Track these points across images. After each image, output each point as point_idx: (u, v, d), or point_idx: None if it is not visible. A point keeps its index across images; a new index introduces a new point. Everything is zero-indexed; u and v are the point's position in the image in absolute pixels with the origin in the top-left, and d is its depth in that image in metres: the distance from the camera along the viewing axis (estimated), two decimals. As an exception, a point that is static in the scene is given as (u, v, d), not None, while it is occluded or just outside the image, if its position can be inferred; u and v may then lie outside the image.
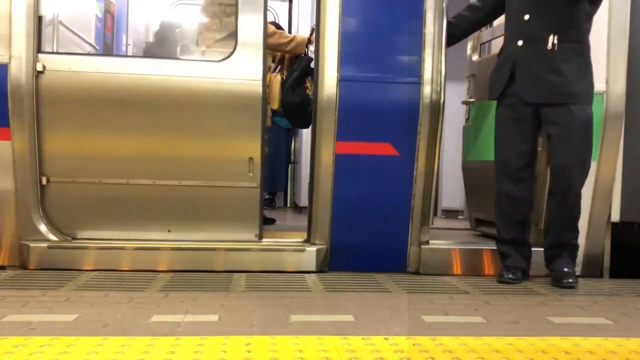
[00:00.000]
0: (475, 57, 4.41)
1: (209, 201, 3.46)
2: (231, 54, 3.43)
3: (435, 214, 3.65)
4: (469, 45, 4.48)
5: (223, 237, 3.45)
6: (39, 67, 3.27)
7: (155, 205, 3.45)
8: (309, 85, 4.20)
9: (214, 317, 2.34)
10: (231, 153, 3.47)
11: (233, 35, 3.43)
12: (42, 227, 3.33)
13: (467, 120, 4.37)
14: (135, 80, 3.36)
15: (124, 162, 3.41)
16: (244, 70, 3.41)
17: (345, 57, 3.41)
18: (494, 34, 4.28)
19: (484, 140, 3.99)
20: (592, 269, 3.67)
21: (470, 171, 4.38)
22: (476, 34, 4.30)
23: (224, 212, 3.49)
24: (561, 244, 3.28)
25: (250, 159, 3.42)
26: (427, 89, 3.41)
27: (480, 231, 4.30)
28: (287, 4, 6.90)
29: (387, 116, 3.43)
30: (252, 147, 3.44)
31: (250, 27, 3.43)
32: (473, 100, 4.26)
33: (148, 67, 3.44)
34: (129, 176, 3.39)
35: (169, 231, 3.46)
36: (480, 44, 4.41)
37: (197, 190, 3.44)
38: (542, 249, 3.40)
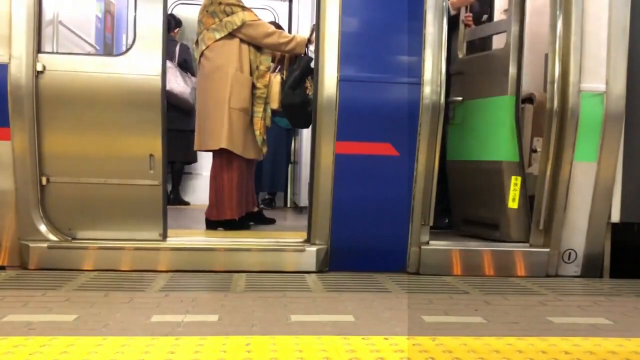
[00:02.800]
0: (461, 55, 4.30)
1: (110, 199, 3.42)
2: (129, 48, 3.42)
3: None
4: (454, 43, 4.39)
5: (126, 237, 3.40)
6: (39, 67, 3.27)
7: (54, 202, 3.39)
8: (309, 85, 4.19)
9: (214, 317, 2.34)
10: (131, 150, 3.42)
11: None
12: (42, 227, 3.33)
13: (452, 119, 4.22)
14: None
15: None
16: (142, 65, 3.37)
17: (345, 57, 3.41)
18: (479, 33, 4.25)
19: (471, 140, 4.00)
20: (592, 269, 3.67)
21: (455, 171, 4.29)
22: (462, 30, 4.25)
23: (126, 211, 3.44)
24: None
25: (151, 155, 3.40)
26: (427, 89, 3.41)
27: (465, 231, 4.17)
28: (287, 4, 6.89)
29: (387, 116, 3.43)
30: (152, 144, 3.41)
31: (149, 21, 3.39)
32: (461, 98, 4.12)
33: (60, 64, 3.37)
34: None
35: (69, 229, 3.41)
36: (467, 42, 4.33)
37: (97, 188, 3.39)
38: (542, 249, 3.41)
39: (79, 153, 3.38)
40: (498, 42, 4.17)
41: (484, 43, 4.34)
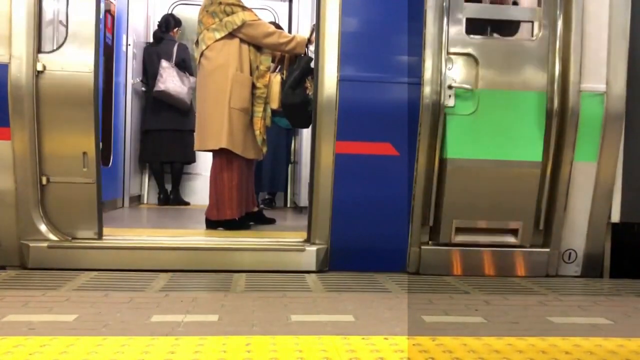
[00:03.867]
0: (469, 34, 4.03)
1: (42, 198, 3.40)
2: (61, 44, 3.40)
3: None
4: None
5: (61, 236, 3.39)
6: (39, 67, 3.27)
7: None
8: (309, 85, 4.19)
9: (214, 317, 2.34)
10: (64, 148, 3.40)
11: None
12: (42, 227, 3.33)
13: (450, 108, 4.00)
14: None
15: None
16: (73, 62, 3.35)
17: (345, 57, 3.41)
18: (507, 13, 3.80)
19: (492, 136, 3.74)
20: (592, 269, 3.67)
21: (459, 171, 4.06)
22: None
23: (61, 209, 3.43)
24: None
25: (84, 153, 3.39)
26: (427, 89, 3.41)
27: (460, 241, 3.58)
28: (287, 4, 6.90)
29: (387, 116, 3.43)
30: (85, 142, 3.39)
31: (81, 17, 3.37)
32: (469, 86, 3.91)
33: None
34: None
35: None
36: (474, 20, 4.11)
37: None
38: (542, 249, 3.40)
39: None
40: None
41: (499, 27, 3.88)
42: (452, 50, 3.47)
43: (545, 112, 3.50)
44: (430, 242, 3.57)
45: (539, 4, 3.56)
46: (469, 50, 3.49)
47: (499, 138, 3.50)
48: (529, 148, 3.50)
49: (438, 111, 3.40)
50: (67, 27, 3.37)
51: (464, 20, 3.50)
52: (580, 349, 2.06)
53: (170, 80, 5.85)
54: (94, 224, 3.44)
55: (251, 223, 4.52)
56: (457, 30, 3.46)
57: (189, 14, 6.48)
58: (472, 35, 3.52)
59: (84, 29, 3.36)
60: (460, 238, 3.53)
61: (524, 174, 3.50)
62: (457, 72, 3.48)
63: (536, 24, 3.56)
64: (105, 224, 3.59)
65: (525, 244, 3.58)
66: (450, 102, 3.44)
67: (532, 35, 3.58)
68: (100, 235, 3.46)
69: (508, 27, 3.80)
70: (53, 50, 3.37)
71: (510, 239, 3.57)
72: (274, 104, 4.28)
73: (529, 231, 3.56)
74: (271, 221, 4.76)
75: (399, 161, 3.45)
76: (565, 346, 2.08)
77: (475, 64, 3.50)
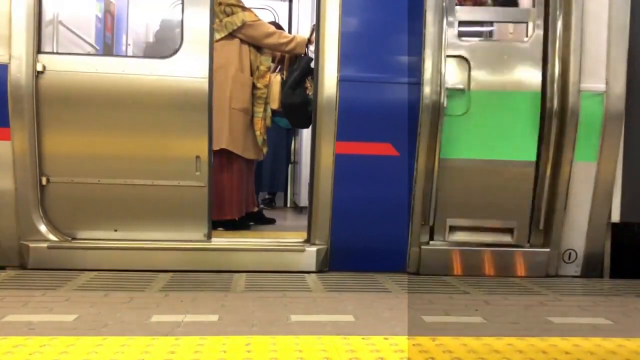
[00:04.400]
0: (458, 37, 4.03)
1: None
2: (176, 51, 3.43)
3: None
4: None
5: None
6: (39, 67, 3.27)
7: None
8: (309, 85, 4.20)
9: (214, 317, 2.34)
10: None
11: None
12: (42, 227, 3.34)
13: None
14: None
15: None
16: (190, 69, 3.39)
17: (345, 57, 3.41)
18: (502, 15, 3.89)
19: (484, 136, 3.80)
20: (592, 269, 3.67)
21: (451, 170, 4.05)
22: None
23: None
24: None
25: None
26: (427, 90, 3.41)
27: (452, 241, 3.61)
28: (287, 4, 6.89)
29: (387, 116, 3.43)
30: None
31: (196, 24, 3.40)
32: (462, 87, 3.88)
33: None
34: None
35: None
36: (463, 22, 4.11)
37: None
38: (542, 249, 3.40)
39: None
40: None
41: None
42: (449, 52, 3.49)
43: (538, 112, 3.52)
44: (430, 242, 3.57)
45: (533, 5, 3.58)
46: (461, 52, 3.52)
47: (491, 138, 3.53)
48: (522, 148, 3.53)
49: (438, 111, 3.40)
50: (182, 34, 3.39)
51: (456, 23, 3.54)
52: (580, 349, 2.06)
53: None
54: (203, 226, 3.48)
55: (251, 223, 4.52)
56: (449, 33, 3.48)
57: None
58: (463, 38, 3.55)
59: (200, 37, 3.40)
60: (455, 237, 3.56)
61: (518, 173, 3.53)
62: (449, 74, 3.49)
63: (530, 25, 3.59)
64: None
65: (521, 243, 3.59)
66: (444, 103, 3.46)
67: (526, 36, 3.61)
68: (209, 237, 3.51)
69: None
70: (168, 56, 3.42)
71: (506, 238, 3.59)
72: (274, 104, 4.29)
73: (524, 230, 3.57)
74: (271, 221, 4.76)
75: (399, 161, 3.45)
76: (565, 346, 2.08)
77: (467, 65, 3.53)
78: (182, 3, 3.42)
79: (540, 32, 3.54)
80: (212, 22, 3.46)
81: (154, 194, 3.42)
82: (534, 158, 3.53)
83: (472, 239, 3.58)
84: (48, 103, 3.30)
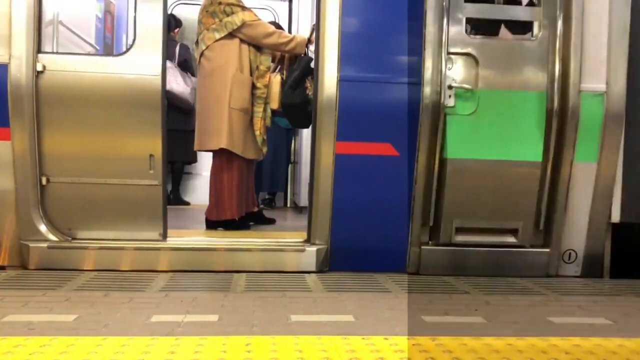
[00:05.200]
0: (468, 33, 3.76)
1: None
2: (129, 48, 3.44)
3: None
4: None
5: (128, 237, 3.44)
6: (39, 67, 3.27)
7: None
8: (309, 85, 4.19)
9: (214, 317, 2.34)
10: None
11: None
12: (42, 227, 3.33)
13: (451, 108, 3.70)
14: None
15: None
16: (142, 65, 3.39)
17: (345, 57, 3.41)
18: (509, 13, 3.77)
19: (490, 136, 3.66)
20: (592, 269, 3.67)
21: (457, 171, 4.02)
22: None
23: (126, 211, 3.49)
24: None
25: (151, 155, 3.41)
26: (427, 90, 3.41)
27: (460, 242, 3.57)
28: (287, 4, 6.89)
29: (387, 116, 3.43)
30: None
31: (149, 21, 3.40)
32: (469, 86, 3.85)
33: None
34: None
35: (69, 229, 3.43)
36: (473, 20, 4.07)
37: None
38: (542, 249, 3.40)
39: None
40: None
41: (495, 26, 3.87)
42: (452, 50, 3.47)
43: (545, 112, 3.50)
44: (430, 242, 3.56)
45: (538, 4, 3.56)
46: (469, 50, 3.49)
47: (498, 138, 3.50)
48: (529, 148, 3.49)
49: (438, 111, 3.40)
50: (135, 31, 3.39)
51: (463, 20, 3.50)
52: (580, 349, 2.06)
53: (173, 80, 5.84)
54: (159, 225, 3.48)
55: (251, 223, 4.51)
56: (457, 30, 3.46)
57: (189, 14, 6.47)
58: (472, 35, 3.53)
59: (152, 34, 3.41)
60: (461, 238, 3.53)
61: (524, 174, 3.49)
62: (457, 72, 3.48)
63: (536, 24, 3.56)
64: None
65: (525, 244, 3.57)
66: (451, 102, 3.44)
67: (532, 35, 3.58)
68: (164, 236, 3.49)
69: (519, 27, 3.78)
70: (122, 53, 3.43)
71: (510, 239, 3.56)
72: (274, 104, 4.28)
73: (529, 231, 3.55)
74: (271, 221, 4.76)
75: (399, 161, 3.45)
76: (565, 346, 2.08)
77: (476, 64, 3.50)
78: (135, 0, 3.41)
79: (547, 31, 3.51)
80: (165, 19, 3.45)
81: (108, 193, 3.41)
82: (540, 158, 3.49)
83: (478, 240, 3.55)
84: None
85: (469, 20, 3.65)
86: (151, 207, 3.45)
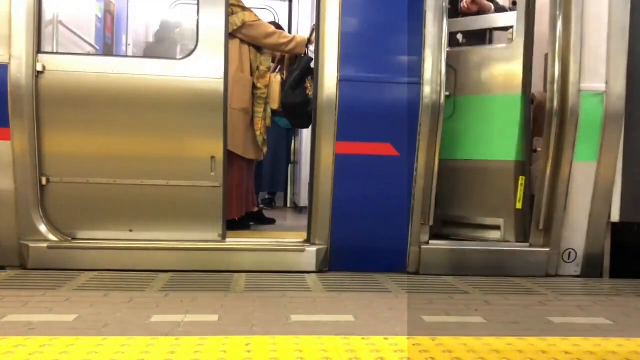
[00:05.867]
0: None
1: None
2: (192, 52, 3.45)
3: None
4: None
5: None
6: (39, 67, 3.27)
7: None
8: (309, 85, 4.20)
9: (214, 317, 2.34)
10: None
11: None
12: (42, 227, 3.33)
13: None
14: None
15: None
16: (205, 69, 3.40)
17: (345, 57, 3.41)
18: (469, 26, 4.17)
19: (468, 138, 3.94)
20: (592, 269, 3.67)
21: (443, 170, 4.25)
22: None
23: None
24: None
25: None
26: (427, 89, 3.41)
27: (444, 233, 4.00)
28: (287, 4, 6.89)
29: (387, 116, 3.43)
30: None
31: (212, 24, 3.41)
32: (448, 93, 3.91)
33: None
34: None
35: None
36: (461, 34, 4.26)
37: None
38: (542, 249, 3.41)
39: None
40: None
41: (473, 36, 4.20)
42: None
43: (520, 113, 3.71)
44: (430, 242, 3.57)
45: (514, 9, 3.73)
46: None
47: (475, 139, 3.81)
48: (505, 147, 3.71)
49: (438, 111, 3.40)
50: (197, 35, 3.40)
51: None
52: (580, 349, 2.06)
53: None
54: (218, 226, 3.52)
55: (251, 223, 4.51)
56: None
57: (188, 14, 6.46)
58: (449, 48, 3.66)
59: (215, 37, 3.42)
60: (447, 231, 3.91)
61: (501, 172, 3.68)
62: None
63: (514, 30, 3.74)
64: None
65: (509, 239, 3.76)
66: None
67: (509, 41, 3.78)
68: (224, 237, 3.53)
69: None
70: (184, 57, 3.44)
71: (494, 235, 3.81)
72: (274, 104, 4.28)
73: (510, 227, 3.73)
74: (271, 221, 4.76)
75: (399, 161, 3.46)
76: (565, 346, 2.08)
77: (454, 73, 3.82)
78: (198, 3, 3.41)
79: (520, 38, 3.74)
80: (227, 23, 3.46)
81: (168, 194, 3.41)
82: (518, 158, 3.71)
83: (461, 233, 3.85)
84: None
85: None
86: (212, 209, 3.47)
